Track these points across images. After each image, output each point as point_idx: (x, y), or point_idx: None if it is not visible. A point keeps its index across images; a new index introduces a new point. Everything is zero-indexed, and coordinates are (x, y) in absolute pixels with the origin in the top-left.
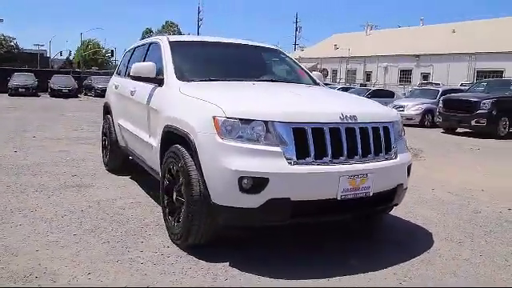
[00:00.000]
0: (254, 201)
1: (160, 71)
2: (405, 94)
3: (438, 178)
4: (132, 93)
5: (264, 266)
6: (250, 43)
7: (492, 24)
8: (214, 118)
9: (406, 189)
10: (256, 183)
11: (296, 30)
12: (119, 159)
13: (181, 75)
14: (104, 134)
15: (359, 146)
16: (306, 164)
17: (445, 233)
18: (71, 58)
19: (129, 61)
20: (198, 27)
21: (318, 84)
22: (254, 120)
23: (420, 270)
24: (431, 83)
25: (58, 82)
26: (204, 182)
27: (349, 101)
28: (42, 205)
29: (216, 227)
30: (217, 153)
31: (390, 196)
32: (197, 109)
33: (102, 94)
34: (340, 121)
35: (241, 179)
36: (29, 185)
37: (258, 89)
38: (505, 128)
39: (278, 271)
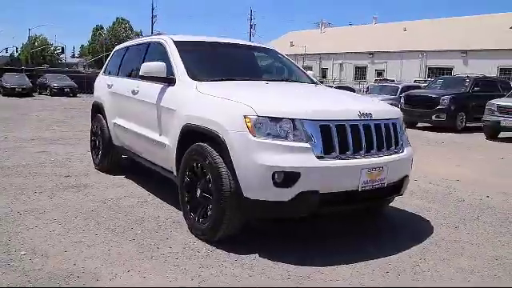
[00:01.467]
0: (285, 194)
1: (169, 71)
2: (365, 89)
3: (418, 170)
4: (134, 92)
5: (290, 254)
6: (248, 43)
7: (440, 23)
8: (245, 116)
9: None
10: (289, 177)
11: (251, 27)
12: (112, 159)
13: (193, 75)
14: (94, 133)
15: (375, 141)
16: (332, 159)
17: (440, 219)
18: (15, 54)
19: (122, 60)
20: (152, 24)
21: (316, 83)
22: (283, 118)
23: (431, 253)
24: (386, 79)
25: (10, 80)
26: (235, 177)
27: (361, 99)
28: (48, 206)
29: (244, 221)
30: (250, 150)
31: (399, 186)
32: (225, 108)
33: (58, 93)
34: (358, 118)
35: (274, 174)
36: (25, 186)
37: (274, 88)
38: (462, 122)
39: (305, 259)
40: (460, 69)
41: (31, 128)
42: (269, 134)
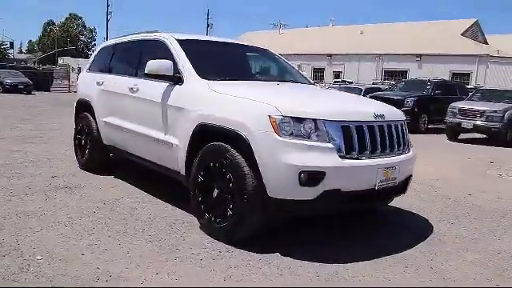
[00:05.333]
0: (310, 193)
1: (174, 69)
2: None
3: None
4: (133, 90)
5: (309, 253)
6: (245, 44)
7: (395, 28)
8: (269, 116)
9: None
10: (314, 177)
11: (208, 26)
12: (101, 159)
13: (202, 74)
14: (79, 132)
15: (388, 141)
16: (352, 158)
17: (435, 216)
18: None
19: (112, 57)
20: (107, 21)
21: (313, 84)
22: (306, 118)
23: (439, 247)
24: (344, 81)
25: None
26: (259, 177)
27: (370, 101)
28: (46, 208)
29: (266, 220)
30: (276, 149)
31: (405, 185)
32: (247, 108)
33: (11, 89)
34: (374, 119)
35: (301, 173)
36: (12, 187)
37: (287, 89)
38: (424, 124)
39: (327, 258)
40: (414, 72)
41: None
42: (293, 134)
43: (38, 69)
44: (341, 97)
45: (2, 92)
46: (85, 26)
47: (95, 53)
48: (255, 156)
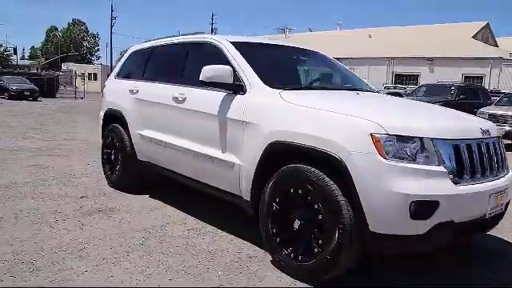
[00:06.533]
0: (421, 226)
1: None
2: None
3: None
4: (178, 100)
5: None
6: (304, 47)
7: (404, 31)
8: (371, 135)
9: None
10: (427, 207)
11: (212, 31)
12: (134, 175)
13: (269, 82)
14: (107, 146)
15: (495, 161)
16: (465, 184)
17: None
18: None
19: (147, 62)
20: (112, 26)
21: (378, 91)
22: (414, 137)
23: None
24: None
25: None
26: (358, 207)
27: (466, 114)
28: (84, 240)
29: (361, 258)
30: (381, 175)
31: (505, 211)
32: (340, 123)
33: (17, 96)
34: (481, 136)
35: (412, 204)
36: (39, 212)
37: (372, 100)
38: None
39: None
40: (426, 76)
41: (5, 136)
42: (396, 156)
43: (43, 75)
44: (432, 108)
45: (8, 99)
46: (87, 32)
47: (125, 57)
48: (354, 183)
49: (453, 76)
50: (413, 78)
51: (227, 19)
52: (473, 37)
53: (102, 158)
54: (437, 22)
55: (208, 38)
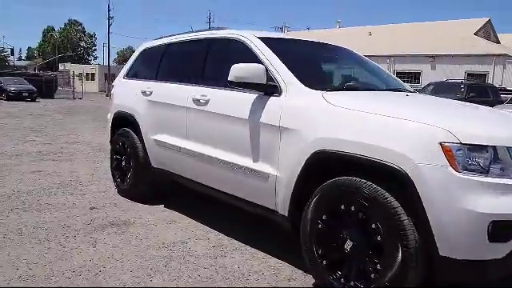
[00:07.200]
0: (499, 250)
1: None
2: None
3: None
4: (199, 102)
5: None
6: (333, 43)
7: (404, 29)
8: (441, 144)
9: None
10: (508, 228)
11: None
12: (147, 184)
13: (308, 82)
14: (117, 152)
15: None
16: None
17: None
18: None
19: (160, 61)
20: (109, 26)
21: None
22: (487, 146)
23: None
24: None
25: None
26: (426, 228)
27: None
28: (99, 261)
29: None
30: (453, 191)
31: None
32: (402, 131)
33: (15, 97)
34: None
35: (490, 224)
36: (46, 226)
37: (423, 101)
38: None
39: None
40: (428, 73)
41: (5, 139)
42: (469, 169)
43: (42, 75)
44: (492, 111)
45: (6, 100)
46: (84, 32)
47: (135, 55)
48: (421, 199)
49: (455, 73)
50: (414, 76)
51: (224, 18)
52: (475, 33)
53: (111, 165)
54: (437, 19)
55: (233, 33)
